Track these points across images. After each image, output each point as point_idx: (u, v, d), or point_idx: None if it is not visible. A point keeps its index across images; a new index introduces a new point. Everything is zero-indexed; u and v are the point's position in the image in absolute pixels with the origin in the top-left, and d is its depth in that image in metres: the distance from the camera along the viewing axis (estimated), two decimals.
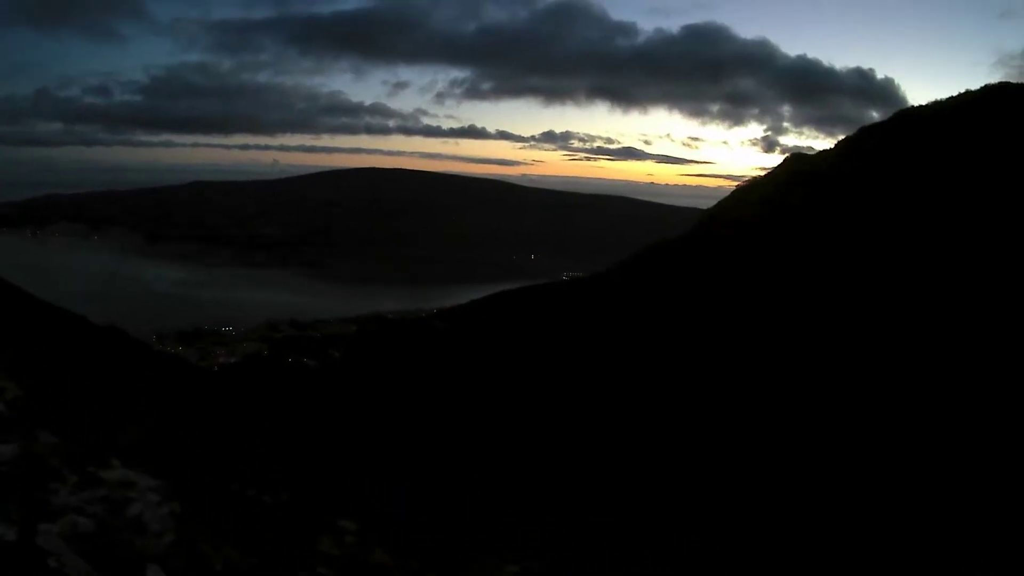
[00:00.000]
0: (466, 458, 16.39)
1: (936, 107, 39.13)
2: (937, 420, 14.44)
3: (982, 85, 39.89)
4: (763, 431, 16.16)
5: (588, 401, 18.76)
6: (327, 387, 27.88)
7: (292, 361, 53.13)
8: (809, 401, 16.83)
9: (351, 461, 14.00)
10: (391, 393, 22.59)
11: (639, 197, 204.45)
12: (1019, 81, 40.41)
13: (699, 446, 16.03)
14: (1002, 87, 38.95)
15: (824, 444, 14.53)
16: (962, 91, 39.58)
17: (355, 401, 23.06)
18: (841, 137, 43.67)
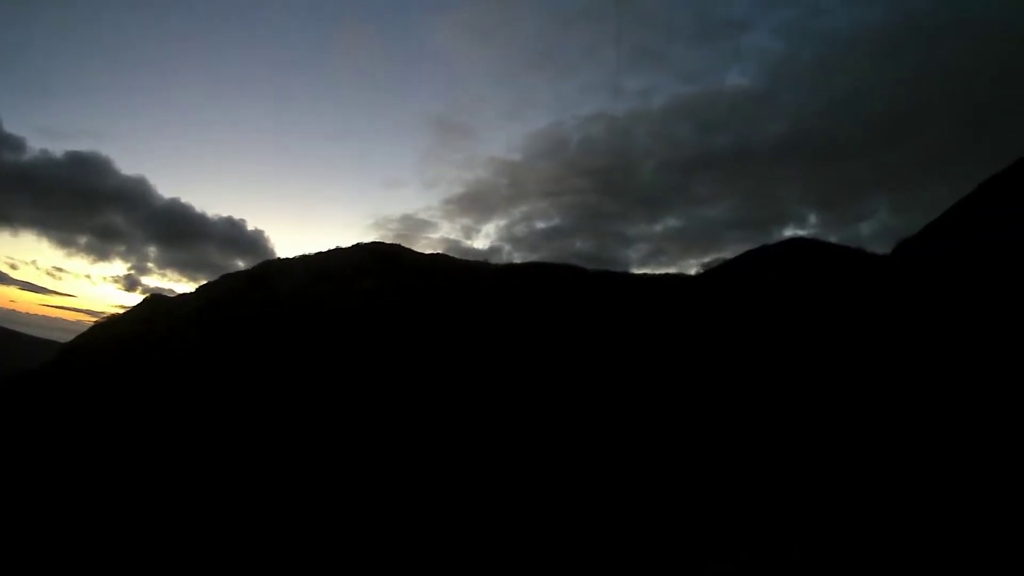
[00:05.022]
0: None
1: (302, 259, 44.87)
2: None
3: (355, 243, 45.93)
4: None
5: None
6: None
7: None
8: None
9: None
10: None
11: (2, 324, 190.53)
12: (392, 241, 47.78)
13: None
14: (373, 244, 45.05)
15: None
16: (332, 247, 45.43)
17: None
18: (203, 281, 49.15)
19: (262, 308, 36.28)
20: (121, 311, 52.14)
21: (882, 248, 39.09)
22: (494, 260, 44.87)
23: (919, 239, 35.93)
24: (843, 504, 10.62)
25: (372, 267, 37.59)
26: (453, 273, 35.83)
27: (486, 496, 15.39)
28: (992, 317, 22.74)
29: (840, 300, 28.45)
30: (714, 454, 16.01)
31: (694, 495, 13.35)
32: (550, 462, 17.01)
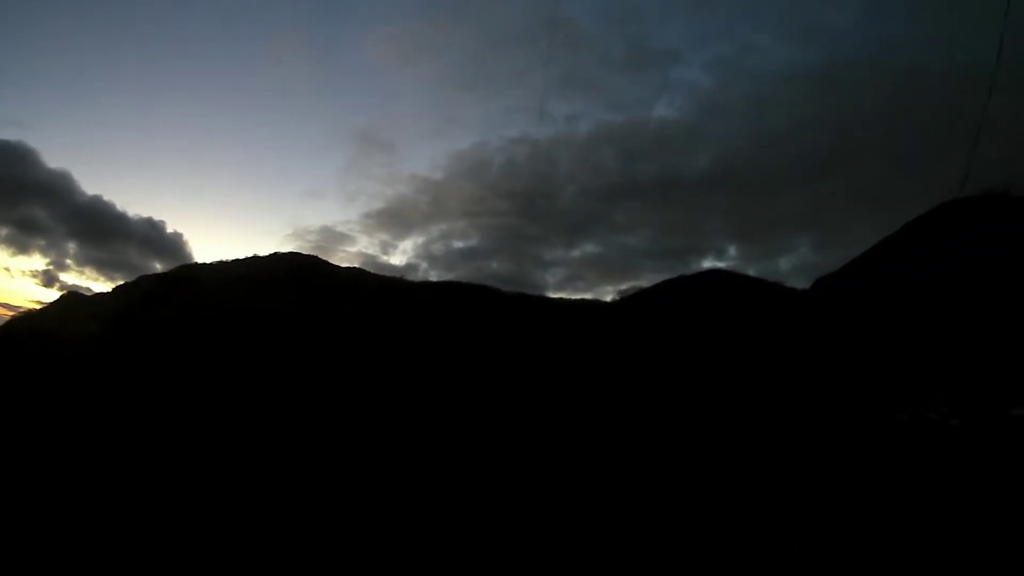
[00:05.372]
0: None
1: (221, 265, 45.24)
2: None
3: (272, 252, 47.33)
4: None
5: None
6: None
7: None
8: None
9: None
10: None
11: None
12: (310, 252, 49.67)
13: None
14: (291, 255, 45.84)
15: None
16: (251, 255, 46.84)
17: None
18: (121, 281, 51.37)
19: (180, 312, 35.36)
20: (38, 307, 51.81)
21: (801, 283, 39.08)
22: (410, 277, 45.44)
23: (838, 276, 35.92)
24: (821, 509, 10.35)
25: (291, 277, 36.61)
26: (370, 288, 35.24)
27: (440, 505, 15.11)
28: (924, 346, 22.51)
29: (755, 330, 28.12)
30: (624, 465, 15.66)
31: (656, 501, 12.83)
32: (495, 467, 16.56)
